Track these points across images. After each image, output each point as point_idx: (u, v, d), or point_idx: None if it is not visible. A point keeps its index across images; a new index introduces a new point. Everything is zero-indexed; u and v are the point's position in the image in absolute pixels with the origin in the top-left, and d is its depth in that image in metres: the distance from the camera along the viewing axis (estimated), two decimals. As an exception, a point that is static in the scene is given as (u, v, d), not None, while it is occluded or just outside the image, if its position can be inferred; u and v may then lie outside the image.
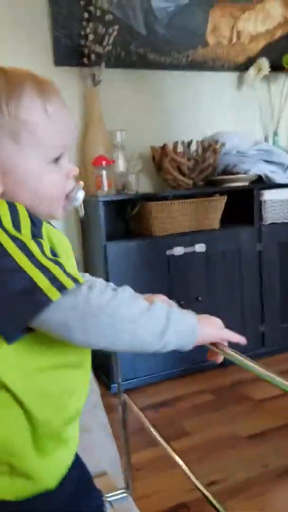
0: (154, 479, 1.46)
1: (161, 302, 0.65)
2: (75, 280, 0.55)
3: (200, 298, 2.09)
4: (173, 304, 0.72)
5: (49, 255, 0.57)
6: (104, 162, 1.90)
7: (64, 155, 0.65)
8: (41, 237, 0.59)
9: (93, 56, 2.01)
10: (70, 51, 2.04)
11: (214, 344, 0.67)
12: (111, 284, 0.76)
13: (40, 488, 0.64)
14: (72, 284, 0.54)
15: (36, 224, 0.60)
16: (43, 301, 0.53)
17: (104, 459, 1.18)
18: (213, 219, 2.12)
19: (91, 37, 1.99)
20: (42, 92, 0.62)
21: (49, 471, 0.65)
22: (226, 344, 0.68)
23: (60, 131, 0.63)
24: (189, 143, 2.10)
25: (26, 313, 0.54)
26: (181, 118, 2.31)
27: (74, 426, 0.70)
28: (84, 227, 2.16)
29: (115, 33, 2.05)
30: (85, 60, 2.03)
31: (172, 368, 2.12)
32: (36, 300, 0.53)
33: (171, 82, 2.29)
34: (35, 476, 0.63)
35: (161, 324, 0.59)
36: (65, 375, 0.64)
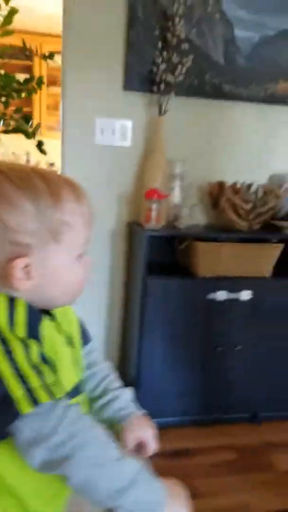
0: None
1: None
2: (51, 394, 0.55)
3: (239, 347, 1.98)
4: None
5: (35, 360, 0.58)
6: (155, 196, 1.85)
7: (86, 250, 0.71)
8: (37, 337, 0.61)
9: (162, 86, 1.96)
10: (141, 78, 2.00)
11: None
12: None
13: None
14: (46, 398, 0.55)
15: (33, 322, 0.62)
16: (13, 413, 0.53)
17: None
18: (265, 266, 2.00)
19: (163, 66, 1.94)
20: (77, 196, 0.67)
21: None
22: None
23: (88, 229, 0.69)
24: (250, 185, 1.99)
25: (1, 421, 0.54)
26: (249, 154, 2.19)
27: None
28: (129, 257, 2.13)
29: (189, 63, 1.98)
30: (155, 88, 1.98)
31: (199, 413, 2.04)
32: (8, 410, 0.54)
33: (245, 115, 2.18)
34: None
35: (124, 482, 0.55)
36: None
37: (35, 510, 0.65)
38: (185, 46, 1.98)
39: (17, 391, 0.53)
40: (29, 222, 0.62)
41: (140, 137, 2.06)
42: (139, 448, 0.74)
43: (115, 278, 2.16)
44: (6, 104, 2.66)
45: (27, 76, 2.79)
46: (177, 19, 1.94)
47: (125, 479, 0.55)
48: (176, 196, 2.03)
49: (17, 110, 2.73)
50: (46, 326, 0.64)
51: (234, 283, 1.96)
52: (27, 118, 2.85)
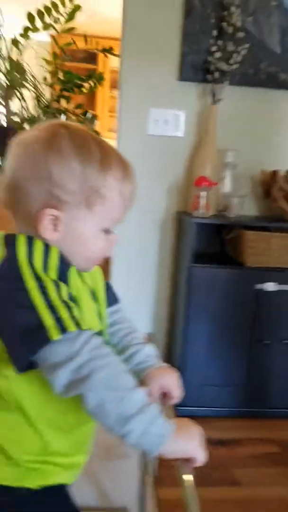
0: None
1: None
2: (77, 325, 0.59)
3: (286, 341, 1.93)
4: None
5: (64, 297, 0.62)
6: (205, 184, 1.86)
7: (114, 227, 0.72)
8: (65, 281, 0.65)
9: (216, 74, 1.96)
10: (195, 67, 2.02)
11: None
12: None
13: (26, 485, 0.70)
14: (74, 328, 0.59)
15: (63, 268, 0.66)
16: (44, 339, 0.58)
17: (128, 492, 1.15)
18: None
19: (218, 54, 1.95)
20: (124, 175, 0.69)
21: (40, 478, 0.71)
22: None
23: (122, 210, 0.71)
24: (303, 174, 1.94)
25: (29, 348, 0.59)
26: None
27: (81, 455, 0.76)
28: (177, 247, 2.14)
29: (244, 51, 1.97)
30: (209, 77, 1.99)
31: (243, 405, 2.01)
32: (38, 337, 0.58)
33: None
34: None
35: (132, 410, 0.57)
36: (74, 409, 0.67)
37: (51, 441, 0.69)
38: (241, 34, 1.97)
39: (48, 320, 0.58)
40: (71, 181, 0.65)
41: (193, 127, 2.08)
42: (164, 397, 0.74)
43: (163, 267, 2.18)
44: (68, 99, 2.77)
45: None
46: (233, 8, 1.94)
47: (134, 407, 0.57)
48: (226, 185, 2.02)
49: (78, 106, 2.84)
50: (72, 274, 0.68)
51: (284, 275, 1.92)
52: (92, 119, 2.96)
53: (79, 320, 0.60)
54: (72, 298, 0.65)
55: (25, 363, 0.60)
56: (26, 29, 2.47)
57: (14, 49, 2.54)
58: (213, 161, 1.99)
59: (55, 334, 0.57)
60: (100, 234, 0.70)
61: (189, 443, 0.61)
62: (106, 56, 2.43)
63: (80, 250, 0.69)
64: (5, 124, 2.60)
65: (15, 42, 2.50)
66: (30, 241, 0.66)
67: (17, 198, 0.67)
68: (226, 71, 1.98)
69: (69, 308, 0.61)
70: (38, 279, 0.61)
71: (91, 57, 4.32)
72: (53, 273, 0.64)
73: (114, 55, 2.45)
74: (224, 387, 1.99)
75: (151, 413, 0.58)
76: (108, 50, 2.37)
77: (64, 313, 0.59)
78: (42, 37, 2.69)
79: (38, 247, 0.65)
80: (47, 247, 0.66)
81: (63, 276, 0.65)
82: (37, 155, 0.65)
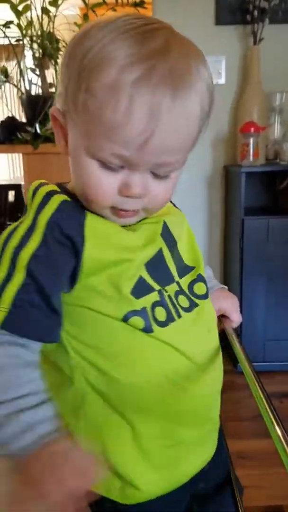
0: (257, 472, 1.37)
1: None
2: None
3: None
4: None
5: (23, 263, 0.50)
6: (252, 129, 1.76)
7: (130, 169, 0.50)
8: (75, 241, 0.51)
9: (256, 13, 1.84)
10: (233, 9, 1.91)
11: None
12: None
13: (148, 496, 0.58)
14: None
15: (62, 226, 0.51)
16: None
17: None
18: None
19: (256, -10, 1.83)
20: (125, 79, 0.45)
21: (160, 484, 0.58)
22: None
23: (115, 136, 0.47)
24: None
25: None
26: None
27: (194, 428, 0.59)
28: (226, 201, 2.07)
29: (284, -16, 1.84)
30: (248, 17, 1.87)
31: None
32: None
33: None
34: (143, 488, 0.57)
35: None
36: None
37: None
38: None
39: None
40: (63, 70, 0.51)
41: (235, 73, 1.98)
42: (223, 319, 0.71)
43: (213, 223, 2.12)
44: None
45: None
46: None
47: None
48: (275, 130, 1.91)
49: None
50: (96, 225, 0.53)
51: None
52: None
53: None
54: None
55: None
56: (55, -5, 2.42)
57: (46, 18, 2.50)
58: (260, 105, 1.89)
59: None
60: (92, 162, 0.50)
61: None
62: (138, 11, 2.34)
63: (77, 180, 0.53)
64: (40, 93, 2.59)
65: (45, 11, 2.46)
66: (39, 187, 0.54)
67: None
68: (266, 9, 1.86)
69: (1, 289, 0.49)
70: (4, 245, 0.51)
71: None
72: (39, 232, 0.50)
73: (146, 9, 2.36)
74: (283, 341, 1.92)
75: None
76: (140, 4, 2.29)
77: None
78: (72, 11, 2.64)
79: (39, 195, 0.53)
80: (48, 195, 0.53)
81: (68, 234, 0.51)
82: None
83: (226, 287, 0.75)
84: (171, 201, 0.68)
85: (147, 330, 0.54)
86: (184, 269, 0.62)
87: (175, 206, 0.70)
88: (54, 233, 0.50)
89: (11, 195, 2.61)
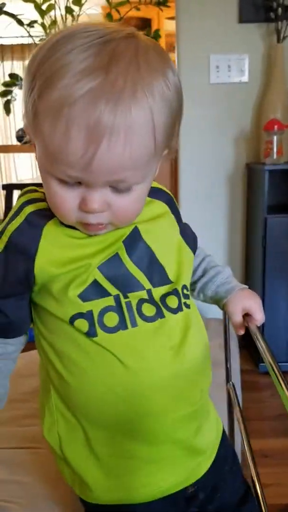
0: (280, 470, 1.36)
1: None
2: None
3: None
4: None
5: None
6: (276, 127, 1.75)
7: (87, 185, 0.50)
8: (28, 251, 0.54)
9: (280, 10, 1.82)
10: (256, 7, 1.89)
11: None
12: None
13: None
14: None
15: (23, 238, 0.55)
16: None
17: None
18: None
19: (280, -13, 1.81)
20: (62, 102, 0.44)
21: (115, 492, 0.59)
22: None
23: (59, 159, 0.47)
24: None
25: None
26: None
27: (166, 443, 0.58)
28: (249, 196, 2.05)
29: (309, -20, 1.81)
30: (271, 15, 1.85)
31: None
32: None
33: None
34: (95, 491, 0.60)
35: None
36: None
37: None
38: None
39: None
40: (24, 90, 0.50)
41: (258, 71, 1.96)
42: (247, 319, 0.71)
43: (235, 222, 2.10)
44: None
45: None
46: None
47: None
48: (299, 129, 1.89)
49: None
50: (55, 234, 0.55)
51: None
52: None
53: None
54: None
55: None
56: (79, -6, 2.44)
57: (69, 18, 2.52)
58: (284, 103, 1.87)
59: None
60: (52, 179, 0.50)
61: None
62: (161, 10, 2.34)
63: (46, 197, 0.54)
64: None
65: (69, 10, 2.48)
66: (21, 194, 0.60)
67: None
68: (291, 6, 1.84)
69: None
70: None
71: (144, 24, 4.24)
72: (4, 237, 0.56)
73: (169, 7, 2.36)
74: None
75: None
76: (163, 3, 2.28)
77: None
78: (95, 10, 2.65)
79: (17, 204, 0.58)
80: (22, 206, 0.57)
81: (24, 246, 0.54)
82: None
83: (247, 286, 0.74)
84: (173, 204, 0.67)
85: (91, 334, 0.54)
86: (161, 280, 0.59)
87: (178, 214, 0.69)
88: (12, 245, 0.55)
89: (34, 194, 2.64)
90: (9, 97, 2.28)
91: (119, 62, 0.44)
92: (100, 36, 0.45)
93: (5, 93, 2.28)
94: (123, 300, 0.55)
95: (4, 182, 4.77)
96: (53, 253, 0.54)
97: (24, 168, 5.27)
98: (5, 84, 2.30)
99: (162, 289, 0.59)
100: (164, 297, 0.58)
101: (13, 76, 2.30)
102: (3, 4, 2.13)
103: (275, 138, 1.76)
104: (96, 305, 0.54)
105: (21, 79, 2.28)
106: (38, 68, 0.46)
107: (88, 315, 0.54)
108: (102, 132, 0.44)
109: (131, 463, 0.58)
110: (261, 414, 1.63)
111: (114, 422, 0.56)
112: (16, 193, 2.93)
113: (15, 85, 2.27)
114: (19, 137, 2.40)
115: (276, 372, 0.53)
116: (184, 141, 2.01)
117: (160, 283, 0.59)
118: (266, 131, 1.77)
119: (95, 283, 0.55)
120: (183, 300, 0.60)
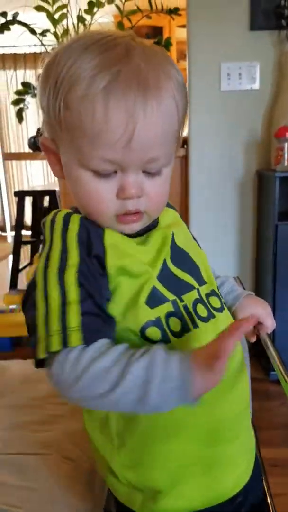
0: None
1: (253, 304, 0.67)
2: (66, 340, 0.48)
3: None
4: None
5: (72, 286, 0.50)
6: (287, 134, 1.74)
7: (123, 171, 0.52)
8: (98, 252, 0.53)
9: (291, 17, 1.83)
10: (267, 14, 1.90)
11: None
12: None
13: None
14: (58, 346, 0.48)
15: (90, 239, 0.53)
16: (36, 351, 0.50)
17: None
18: None
19: (291, -5, 1.81)
20: (97, 83, 0.48)
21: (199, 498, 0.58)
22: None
23: (100, 141, 0.50)
24: None
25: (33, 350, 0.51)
26: None
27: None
28: (260, 202, 2.04)
29: None
30: (283, 23, 1.86)
31: None
32: (33, 346, 0.51)
33: None
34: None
35: (138, 392, 0.47)
36: None
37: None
38: None
39: (41, 330, 0.50)
40: (41, 93, 0.53)
41: (269, 77, 1.96)
42: (258, 326, 0.70)
43: (245, 229, 2.10)
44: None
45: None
46: None
47: (137, 389, 0.47)
48: (310, 136, 1.88)
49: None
50: (112, 239, 0.55)
51: None
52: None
53: (73, 330, 0.49)
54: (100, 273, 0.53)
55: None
56: (91, 4, 2.47)
57: (81, 27, 2.55)
58: (295, 110, 1.87)
59: (40, 352, 0.49)
60: (86, 174, 0.52)
61: (214, 375, 0.47)
62: (172, 18, 2.36)
63: (76, 197, 0.55)
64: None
65: (81, 19, 2.51)
66: (55, 213, 0.57)
67: None
68: (302, 13, 1.84)
69: (64, 312, 0.49)
70: (44, 269, 0.52)
71: (156, 32, 4.26)
72: (73, 249, 0.52)
73: (180, 15, 2.38)
74: None
75: (156, 376, 0.48)
76: (174, 11, 2.30)
77: (54, 324, 0.49)
78: (106, 18, 2.68)
79: (59, 219, 0.55)
80: (66, 217, 0.55)
81: (93, 246, 0.53)
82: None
83: (253, 293, 0.74)
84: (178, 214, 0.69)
85: (165, 340, 0.54)
86: (201, 280, 0.62)
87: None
88: (85, 247, 0.53)
89: (46, 201, 2.66)
90: (21, 105, 2.31)
91: (135, 52, 0.50)
92: (110, 34, 0.51)
93: (17, 102, 2.31)
94: (180, 304, 0.57)
95: (17, 189, 4.81)
96: (118, 255, 0.54)
97: (36, 175, 5.31)
98: (18, 93, 2.33)
99: (205, 289, 0.61)
100: (207, 296, 0.61)
101: (25, 84, 2.33)
102: (17, 14, 2.17)
103: (286, 145, 1.76)
104: (161, 312, 0.55)
105: (33, 87, 2.31)
106: (62, 68, 0.50)
107: (157, 322, 0.54)
108: (138, 107, 0.48)
109: (216, 463, 0.59)
110: (272, 423, 1.61)
111: (192, 430, 0.56)
112: (28, 200, 2.95)
113: (27, 93, 2.29)
114: (31, 145, 2.43)
115: (286, 379, 0.53)
116: (195, 148, 2.02)
117: (200, 283, 0.61)
118: (277, 138, 1.78)
119: (155, 289, 0.55)
120: (222, 300, 0.63)
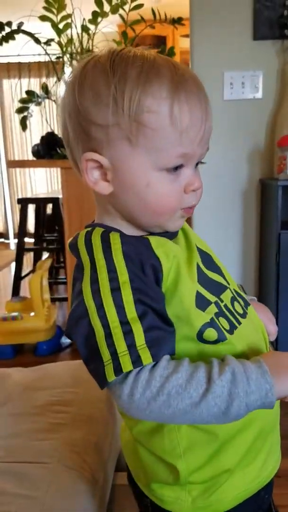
0: (291, 492, 1.33)
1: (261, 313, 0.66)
2: (137, 359, 0.49)
3: None
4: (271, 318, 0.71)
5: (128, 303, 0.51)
6: (290, 143, 1.75)
7: (188, 165, 0.56)
8: (152, 261, 0.54)
9: (293, 27, 1.84)
10: (271, 24, 1.91)
11: None
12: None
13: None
14: (129, 367, 0.49)
15: (138, 252, 0.54)
16: (102, 376, 0.50)
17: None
18: None
19: (294, 5, 1.83)
20: (173, 90, 0.52)
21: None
22: None
23: (182, 139, 0.53)
24: None
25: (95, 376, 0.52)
26: None
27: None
28: (262, 211, 2.05)
29: None
30: (286, 32, 1.87)
31: None
32: (98, 369, 0.50)
33: None
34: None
35: (222, 405, 0.49)
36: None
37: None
38: None
39: (104, 352, 0.49)
40: (98, 109, 0.53)
41: (272, 87, 1.97)
42: None
43: (248, 238, 2.10)
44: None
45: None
46: None
47: (222, 401, 0.49)
48: (313, 145, 1.89)
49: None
50: (160, 245, 0.56)
51: None
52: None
53: (142, 348, 0.49)
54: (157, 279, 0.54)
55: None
56: (95, 14, 2.49)
57: (85, 36, 2.57)
58: (298, 119, 1.87)
59: (110, 375, 0.49)
60: (162, 175, 0.54)
61: None
62: (176, 28, 2.37)
63: (138, 198, 0.55)
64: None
65: (85, 29, 2.53)
66: (88, 233, 0.56)
67: (68, 150, 0.60)
68: (304, 23, 1.85)
69: (128, 331, 0.49)
70: (93, 283, 0.52)
71: (159, 42, 4.30)
72: (122, 267, 0.52)
73: (183, 25, 2.40)
74: None
75: (240, 386, 0.50)
76: (177, 21, 2.32)
77: (120, 344, 0.49)
78: (110, 28, 2.70)
79: (96, 240, 0.54)
80: (104, 235, 0.54)
81: (134, 266, 0.53)
82: (70, 85, 0.55)
83: (255, 298, 0.73)
84: None
85: (222, 339, 0.56)
86: (226, 279, 0.65)
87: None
88: (134, 262, 0.53)
89: (49, 208, 2.67)
90: (25, 114, 2.32)
91: (179, 66, 0.56)
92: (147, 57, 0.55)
93: (21, 110, 2.32)
94: (221, 304, 0.59)
95: (20, 196, 4.82)
96: (168, 259, 0.55)
97: (40, 182, 5.34)
98: (22, 101, 2.34)
99: (232, 287, 0.65)
100: (237, 294, 0.64)
101: (30, 93, 2.35)
102: (21, 24, 2.19)
103: (288, 154, 1.76)
104: (211, 313, 0.57)
105: (37, 96, 2.32)
106: (131, 80, 0.52)
107: (212, 323, 0.56)
108: (204, 106, 0.55)
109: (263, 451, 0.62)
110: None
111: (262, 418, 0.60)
112: (31, 207, 2.96)
113: (31, 101, 2.31)
114: (35, 153, 2.44)
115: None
116: (198, 157, 2.02)
117: (228, 282, 0.64)
118: (280, 147, 1.78)
119: (198, 293, 0.57)
120: (246, 298, 0.66)
